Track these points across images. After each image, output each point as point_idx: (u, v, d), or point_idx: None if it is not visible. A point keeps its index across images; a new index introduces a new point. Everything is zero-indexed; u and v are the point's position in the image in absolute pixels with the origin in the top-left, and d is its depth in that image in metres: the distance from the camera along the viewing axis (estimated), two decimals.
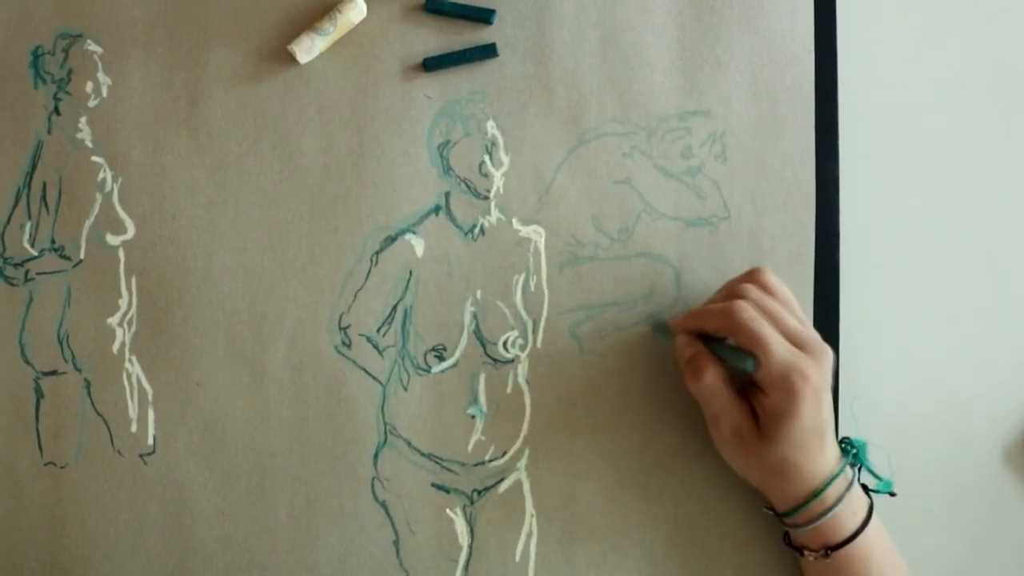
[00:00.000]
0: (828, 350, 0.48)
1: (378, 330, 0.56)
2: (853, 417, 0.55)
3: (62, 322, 0.56)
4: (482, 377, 0.55)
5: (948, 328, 0.58)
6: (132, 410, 0.56)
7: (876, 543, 0.49)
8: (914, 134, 0.58)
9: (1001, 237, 0.58)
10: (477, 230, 0.56)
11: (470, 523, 0.55)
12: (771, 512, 0.51)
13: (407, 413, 0.55)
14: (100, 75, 0.57)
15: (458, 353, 0.55)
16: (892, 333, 0.57)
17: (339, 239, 0.56)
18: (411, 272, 0.56)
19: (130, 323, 0.56)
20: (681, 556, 0.54)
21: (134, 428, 0.56)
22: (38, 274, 0.57)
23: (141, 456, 0.56)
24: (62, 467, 0.56)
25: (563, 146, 0.56)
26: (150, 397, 0.56)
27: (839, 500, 0.48)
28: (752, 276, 0.51)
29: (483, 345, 0.55)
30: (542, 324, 0.55)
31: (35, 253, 0.57)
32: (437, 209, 0.56)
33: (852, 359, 0.55)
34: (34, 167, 0.57)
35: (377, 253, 0.56)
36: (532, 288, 0.56)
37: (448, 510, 0.55)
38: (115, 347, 0.56)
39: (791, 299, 0.50)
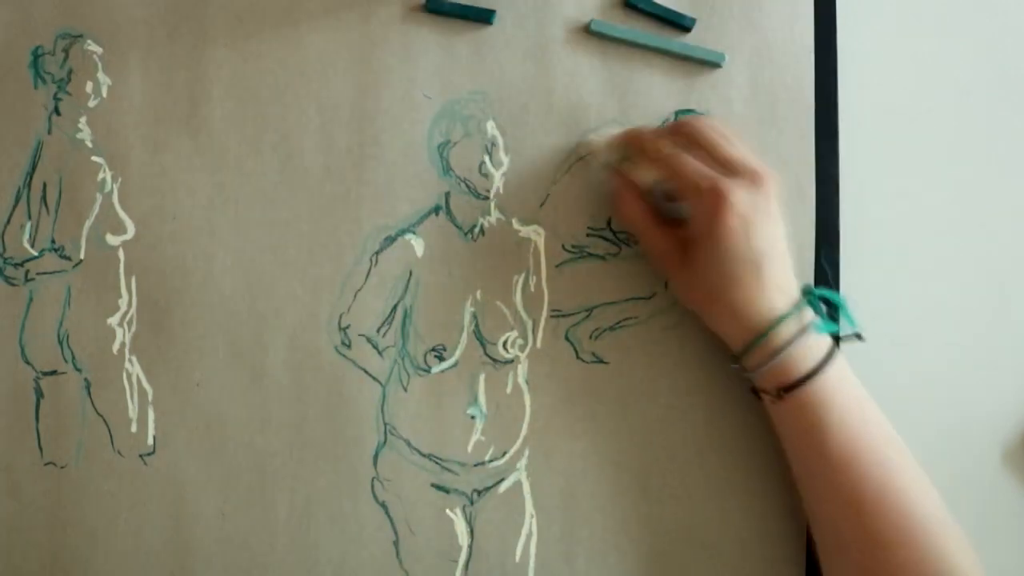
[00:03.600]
0: (766, 177, 0.48)
1: (378, 330, 0.56)
2: None
3: (62, 322, 0.56)
4: (482, 377, 0.55)
5: (948, 328, 0.58)
6: (132, 410, 0.56)
7: (838, 389, 0.48)
8: (914, 134, 0.58)
9: (1001, 237, 0.58)
10: (477, 230, 0.56)
11: (470, 523, 0.55)
12: (737, 366, 0.51)
13: (407, 413, 0.55)
14: (100, 75, 0.57)
15: (458, 353, 0.55)
16: (892, 333, 0.57)
17: (339, 239, 0.56)
18: (411, 272, 0.56)
19: (130, 323, 0.56)
20: (681, 556, 0.54)
21: (134, 428, 0.56)
22: (38, 274, 0.57)
23: (141, 456, 0.56)
24: (62, 467, 0.56)
25: (563, 146, 0.56)
26: (150, 397, 0.56)
27: (790, 341, 0.47)
28: (679, 122, 0.52)
29: (483, 345, 0.55)
30: (542, 324, 0.55)
31: (35, 253, 0.57)
32: (437, 209, 0.56)
33: (852, 359, 0.55)
34: (34, 167, 0.57)
35: (377, 253, 0.56)
36: (532, 288, 0.56)
37: (448, 510, 0.55)
38: (115, 347, 0.56)
39: (722, 132, 0.50)
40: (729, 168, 0.48)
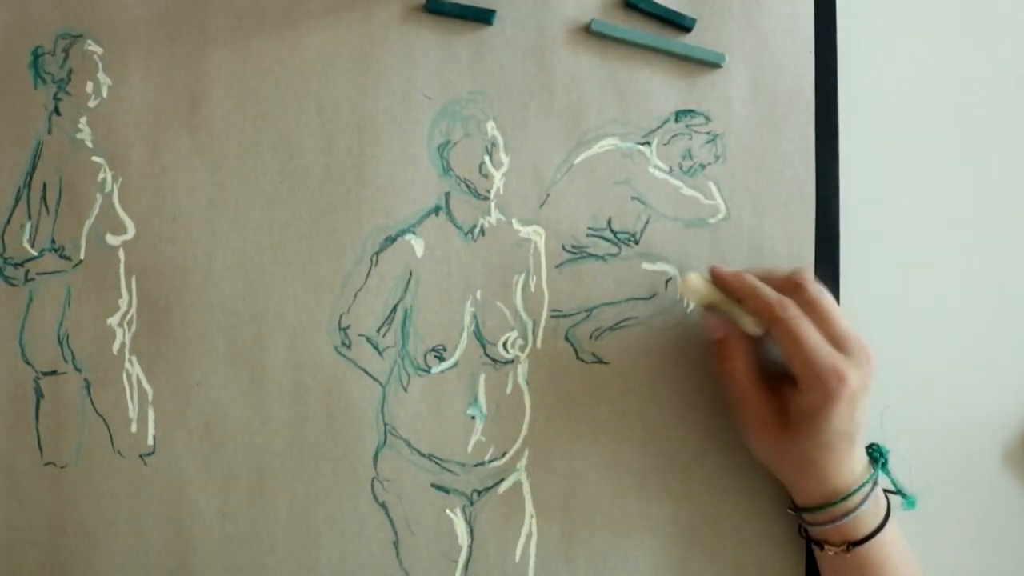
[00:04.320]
0: (871, 355, 0.48)
1: (378, 330, 0.56)
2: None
3: (62, 322, 0.56)
4: (482, 378, 0.55)
5: (948, 328, 0.58)
6: (132, 410, 0.56)
7: (894, 543, 0.50)
8: (914, 134, 0.58)
9: (1001, 237, 0.58)
10: (477, 230, 0.56)
11: (470, 523, 0.55)
12: (792, 511, 0.52)
13: (407, 414, 0.55)
14: (100, 75, 0.57)
15: (458, 353, 0.55)
16: (892, 334, 0.57)
17: (339, 239, 0.56)
18: (411, 272, 0.56)
19: (130, 323, 0.56)
20: (681, 556, 0.54)
21: (134, 428, 0.56)
22: (38, 274, 0.57)
23: (141, 456, 0.56)
24: (62, 467, 0.56)
25: (563, 146, 0.56)
26: (150, 397, 0.56)
27: (863, 502, 0.49)
28: (796, 279, 0.50)
29: (483, 345, 0.55)
30: (542, 325, 0.55)
31: (35, 253, 0.57)
32: (437, 209, 0.56)
33: None
34: (34, 167, 0.57)
35: (377, 253, 0.56)
36: (532, 289, 0.56)
37: (448, 510, 0.55)
38: (115, 347, 0.56)
39: (834, 303, 0.50)
40: (842, 345, 0.47)
